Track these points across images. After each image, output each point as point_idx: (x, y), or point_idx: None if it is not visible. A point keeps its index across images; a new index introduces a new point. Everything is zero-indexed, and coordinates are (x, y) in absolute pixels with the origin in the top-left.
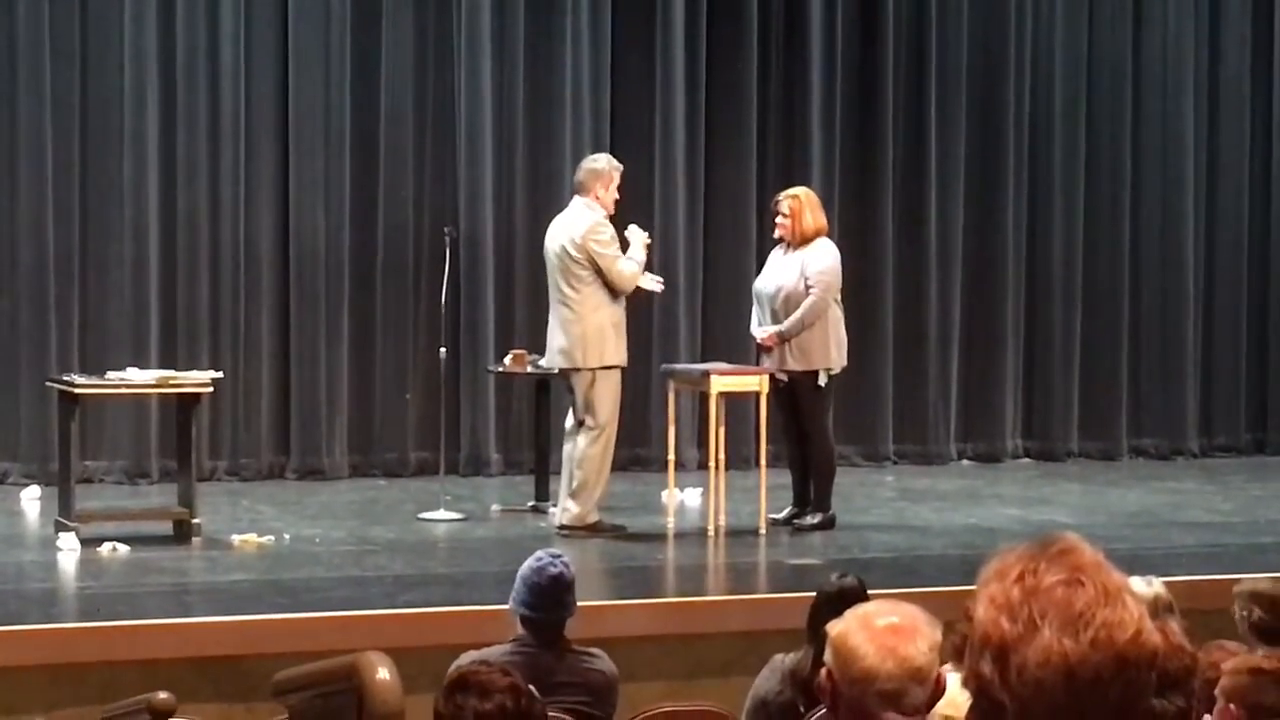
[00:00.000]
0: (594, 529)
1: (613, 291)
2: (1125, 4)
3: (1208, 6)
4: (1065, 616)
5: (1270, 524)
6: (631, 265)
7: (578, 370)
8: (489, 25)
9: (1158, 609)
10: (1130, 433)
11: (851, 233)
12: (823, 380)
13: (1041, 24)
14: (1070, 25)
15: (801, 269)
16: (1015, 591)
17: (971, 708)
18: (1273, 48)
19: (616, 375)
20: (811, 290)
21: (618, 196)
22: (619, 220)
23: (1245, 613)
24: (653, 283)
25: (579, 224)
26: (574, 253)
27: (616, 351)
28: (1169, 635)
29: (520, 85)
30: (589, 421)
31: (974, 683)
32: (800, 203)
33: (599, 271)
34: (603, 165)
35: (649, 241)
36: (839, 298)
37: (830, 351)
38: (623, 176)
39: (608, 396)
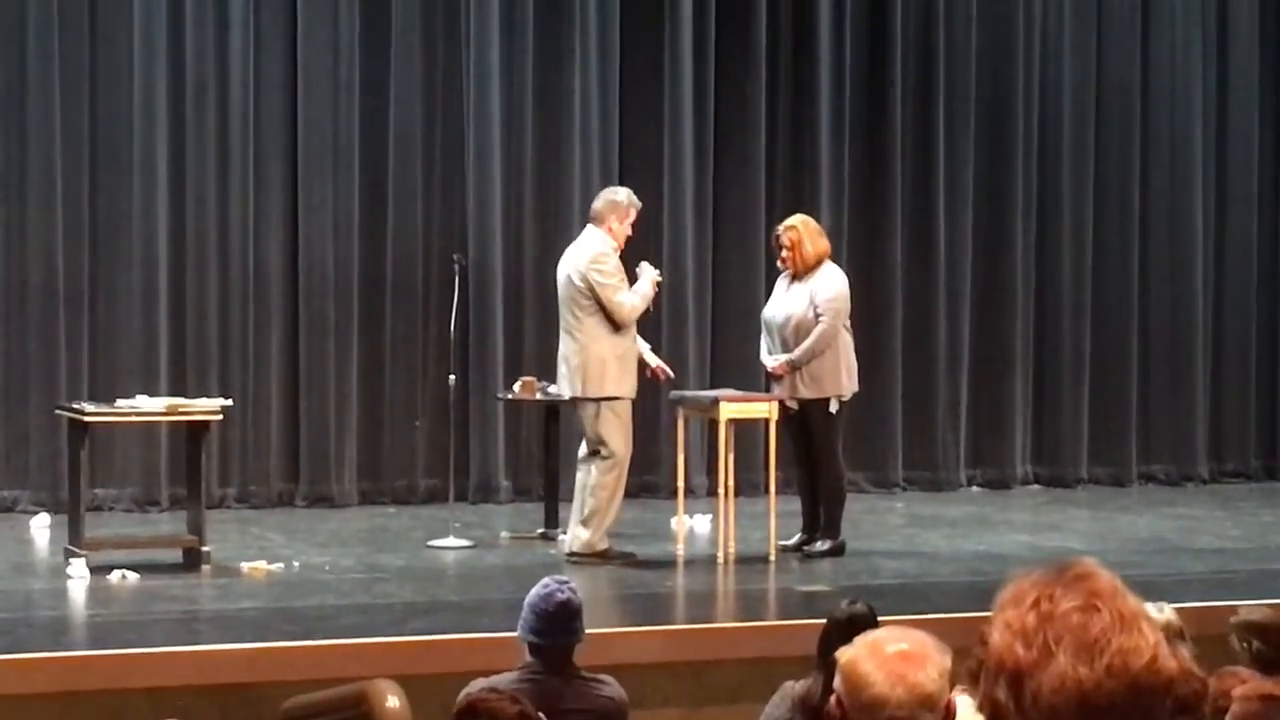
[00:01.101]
0: (603, 556)
1: (614, 323)
2: (1133, 25)
3: (1215, 25)
4: (1080, 643)
5: None
6: (632, 299)
7: (582, 400)
8: (498, 53)
9: (1169, 635)
10: (1140, 459)
11: (860, 258)
12: (834, 407)
13: (1049, 48)
14: (1077, 49)
15: (811, 297)
16: (1031, 618)
17: None
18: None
19: (623, 405)
20: (821, 318)
21: (630, 233)
22: (632, 253)
23: (1244, 645)
24: (650, 284)
25: (585, 253)
26: (578, 282)
27: (619, 383)
28: (1180, 661)
29: (529, 113)
30: (603, 451)
31: (989, 708)
32: (799, 233)
33: (600, 302)
34: (622, 199)
35: (659, 279)
36: (848, 323)
37: (841, 378)
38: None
39: (616, 427)
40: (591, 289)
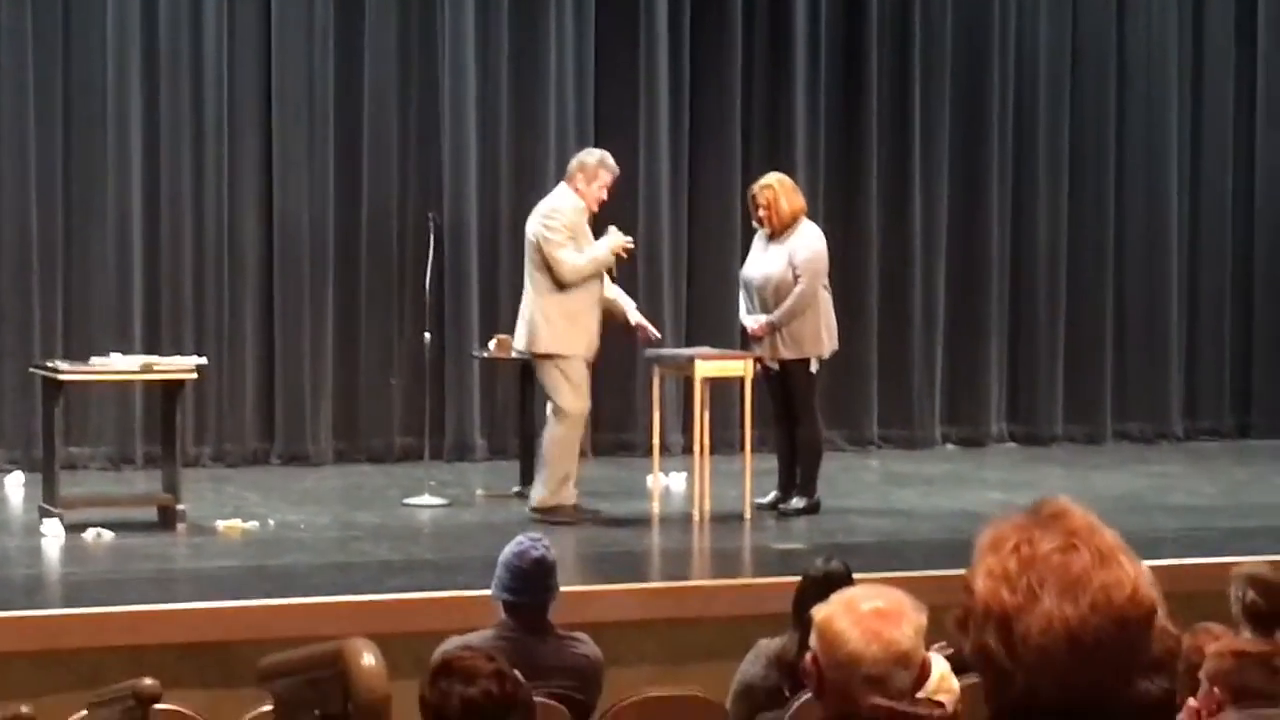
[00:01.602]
0: (562, 512)
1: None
2: None
3: None
4: (1063, 583)
5: (1255, 508)
6: (576, 258)
7: (532, 356)
8: (472, 11)
9: None
10: (1115, 417)
11: (836, 219)
12: (815, 367)
13: (1025, 14)
14: (1053, 14)
15: (789, 257)
16: (1012, 562)
17: (982, 679)
18: (1256, 34)
19: (571, 364)
20: (800, 279)
21: (604, 197)
22: (610, 212)
23: (1240, 594)
24: (607, 247)
25: (543, 208)
26: (531, 236)
27: (565, 340)
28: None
29: (504, 72)
30: (550, 407)
31: (980, 654)
32: (775, 191)
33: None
34: (592, 160)
35: (628, 245)
36: (827, 283)
37: (822, 338)
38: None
39: (563, 383)
40: (540, 244)
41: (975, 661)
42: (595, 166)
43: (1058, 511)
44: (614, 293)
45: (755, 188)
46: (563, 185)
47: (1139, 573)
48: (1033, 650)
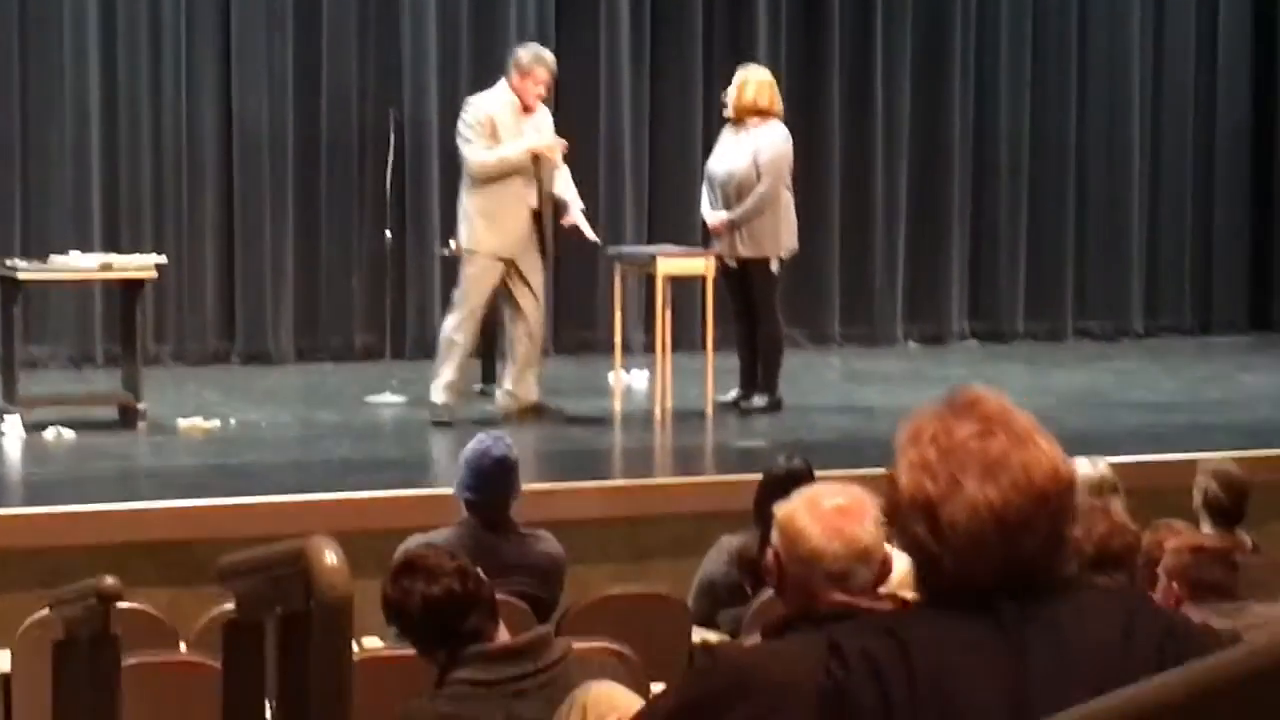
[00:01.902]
0: (440, 410)
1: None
2: None
3: None
4: (983, 467)
5: (1214, 404)
6: (483, 155)
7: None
8: None
9: (1103, 489)
10: (1076, 314)
11: (798, 115)
12: (774, 266)
13: None
14: None
15: (754, 154)
16: (931, 452)
17: (914, 567)
18: None
19: (479, 260)
20: (764, 177)
21: (541, 93)
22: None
23: (1205, 487)
24: (525, 149)
25: (468, 102)
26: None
27: (477, 237)
28: (1112, 514)
29: None
30: (453, 297)
31: (909, 543)
32: (758, 83)
33: None
34: (523, 57)
35: (549, 149)
36: (790, 183)
37: (781, 237)
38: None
39: (467, 279)
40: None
41: (906, 551)
42: (529, 63)
43: (971, 399)
44: (562, 189)
45: (740, 72)
46: (501, 81)
47: (1055, 450)
48: (961, 535)
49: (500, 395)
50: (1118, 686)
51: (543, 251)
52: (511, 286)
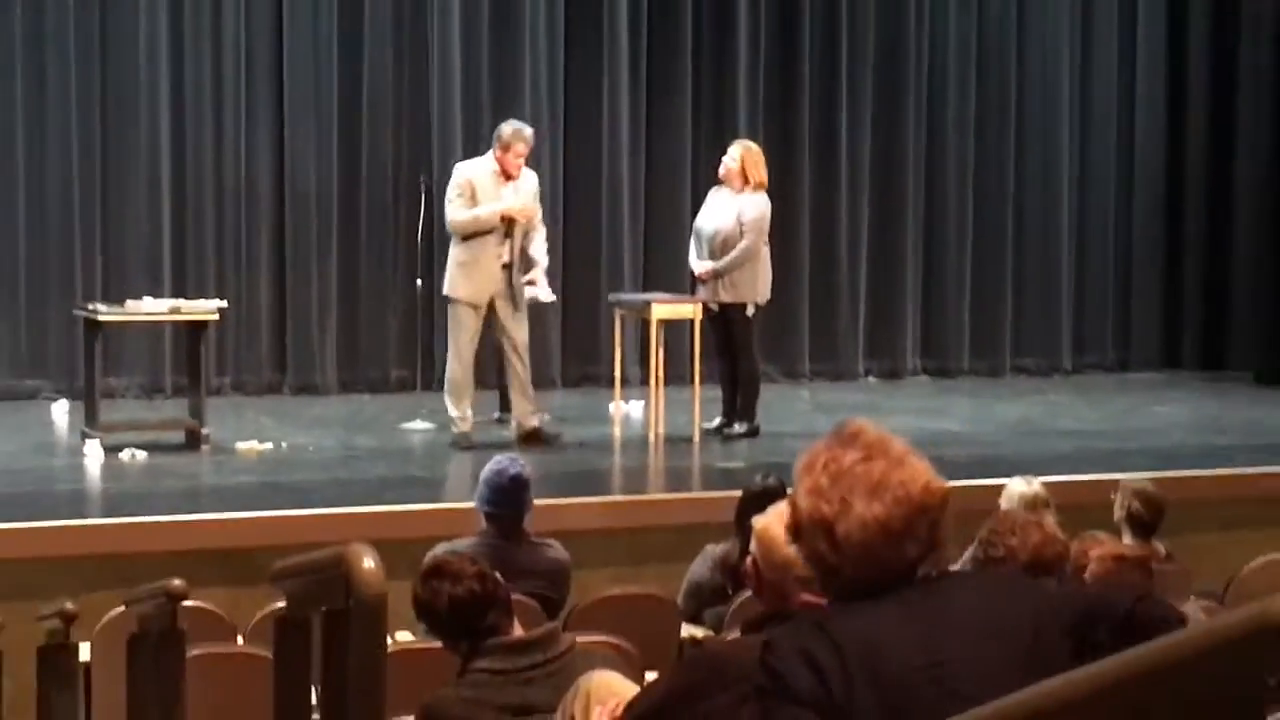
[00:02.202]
0: (457, 437)
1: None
2: None
3: None
4: (868, 487)
5: (1132, 432)
6: (461, 213)
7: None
8: (458, 8)
9: (1035, 504)
10: (1013, 353)
11: (772, 180)
12: (750, 311)
13: (938, 3)
14: (962, 5)
15: (738, 215)
16: (824, 479)
17: (815, 574)
18: (1135, 20)
19: (459, 309)
20: (746, 234)
21: (520, 163)
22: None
23: (1126, 503)
24: (497, 212)
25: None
26: None
27: (455, 284)
28: (1044, 527)
29: (484, 53)
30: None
31: (812, 557)
32: (751, 154)
33: None
34: (503, 132)
35: (514, 213)
36: (767, 240)
37: (758, 286)
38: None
39: (450, 322)
40: None
41: (810, 563)
42: (509, 138)
43: (855, 431)
44: (534, 249)
45: (736, 144)
46: (489, 151)
47: (927, 469)
48: (855, 546)
49: (512, 422)
50: (1014, 638)
51: (512, 301)
52: (495, 329)
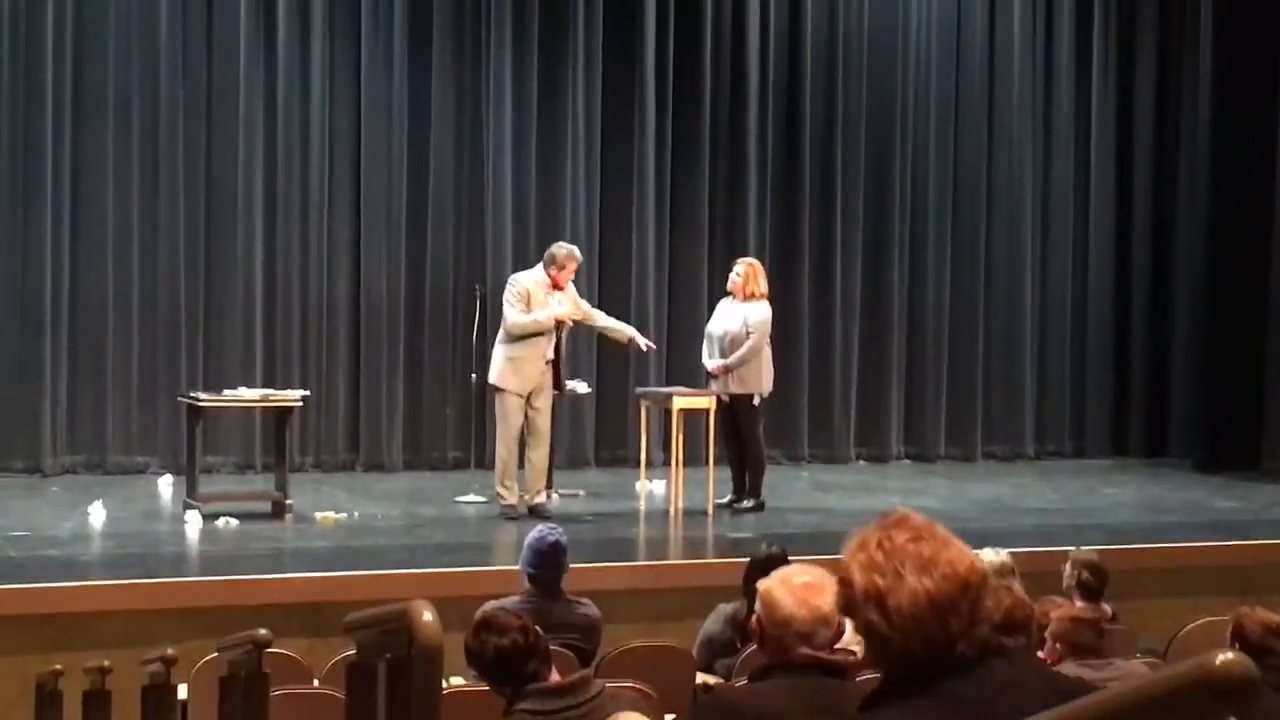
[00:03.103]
0: (504, 508)
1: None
2: (980, 130)
3: (1042, 126)
4: (919, 564)
5: (1087, 509)
6: (520, 317)
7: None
8: (510, 131)
9: (1004, 572)
10: (984, 441)
11: (776, 288)
12: (756, 401)
13: (920, 126)
14: (940, 132)
15: (744, 319)
16: (879, 555)
17: (865, 647)
18: (1090, 131)
19: (506, 397)
20: (751, 334)
21: (570, 278)
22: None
23: (1076, 574)
24: (551, 316)
25: (513, 277)
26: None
27: (503, 378)
28: (1013, 591)
29: (532, 180)
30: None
31: (864, 628)
32: (753, 270)
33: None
34: (561, 252)
35: (568, 319)
36: (769, 340)
37: (763, 380)
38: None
39: (500, 411)
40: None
41: (863, 635)
42: (564, 259)
43: (903, 516)
44: (608, 323)
45: (742, 260)
46: (539, 265)
47: (970, 551)
48: (906, 618)
49: (553, 496)
50: None
51: (558, 388)
52: (528, 413)
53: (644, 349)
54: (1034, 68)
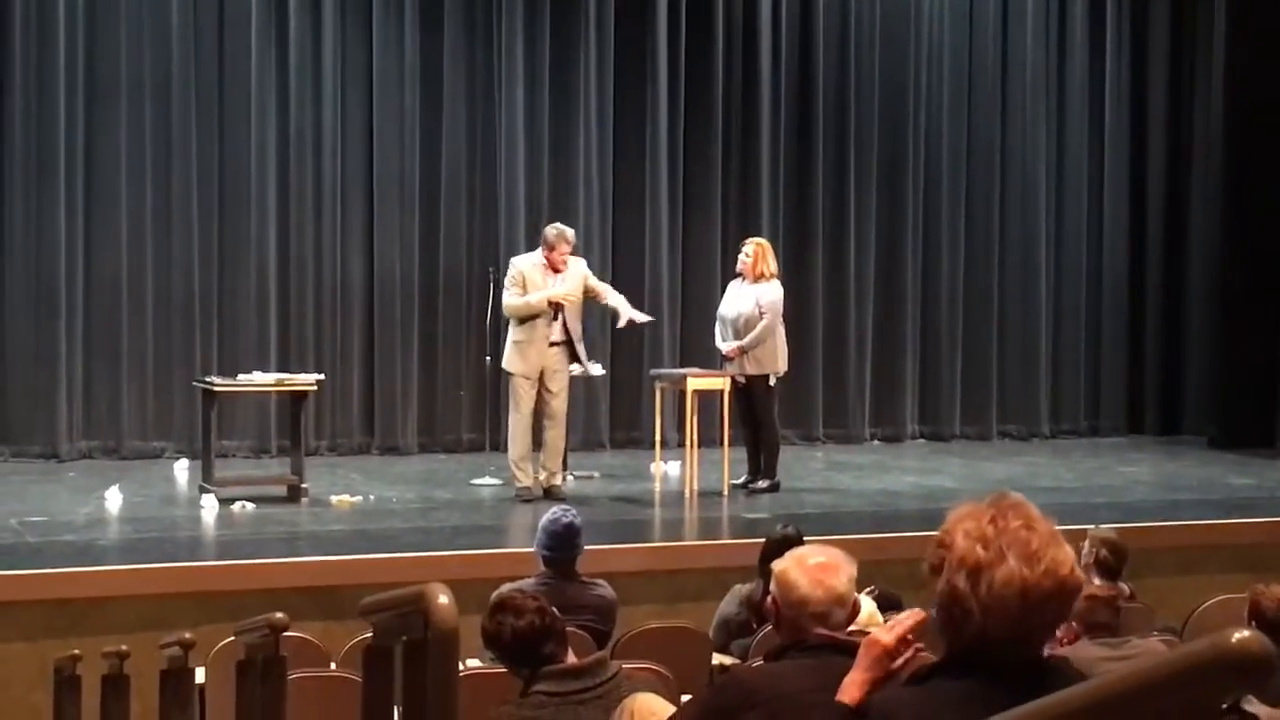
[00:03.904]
0: (523, 491)
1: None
2: (993, 109)
3: (1055, 105)
4: (1024, 551)
5: (1101, 488)
6: (515, 300)
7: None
8: (522, 113)
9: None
10: (999, 420)
11: (791, 269)
12: (772, 381)
13: (932, 121)
14: (953, 118)
15: (756, 300)
16: (989, 529)
17: (940, 610)
18: (1104, 127)
19: (517, 381)
20: (764, 315)
21: (563, 258)
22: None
23: (1094, 551)
24: (545, 298)
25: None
26: None
27: (510, 361)
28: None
29: (544, 163)
30: None
31: (948, 593)
32: (762, 249)
33: None
34: (552, 233)
35: (564, 299)
36: (782, 321)
37: (777, 360)
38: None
39: (511, 393)
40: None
41: (942, 598)
42: (554, 239)
43: (1019, 501)
44: (614, 301)
45: (750, 241)
46: (539, 248)
47: (1073, 556)
48: (994, 596)
49: (568, 478)
50: None
51: (579, 361)
52: (541, 395)
53: (638, 323)
54: (1047, 46)
